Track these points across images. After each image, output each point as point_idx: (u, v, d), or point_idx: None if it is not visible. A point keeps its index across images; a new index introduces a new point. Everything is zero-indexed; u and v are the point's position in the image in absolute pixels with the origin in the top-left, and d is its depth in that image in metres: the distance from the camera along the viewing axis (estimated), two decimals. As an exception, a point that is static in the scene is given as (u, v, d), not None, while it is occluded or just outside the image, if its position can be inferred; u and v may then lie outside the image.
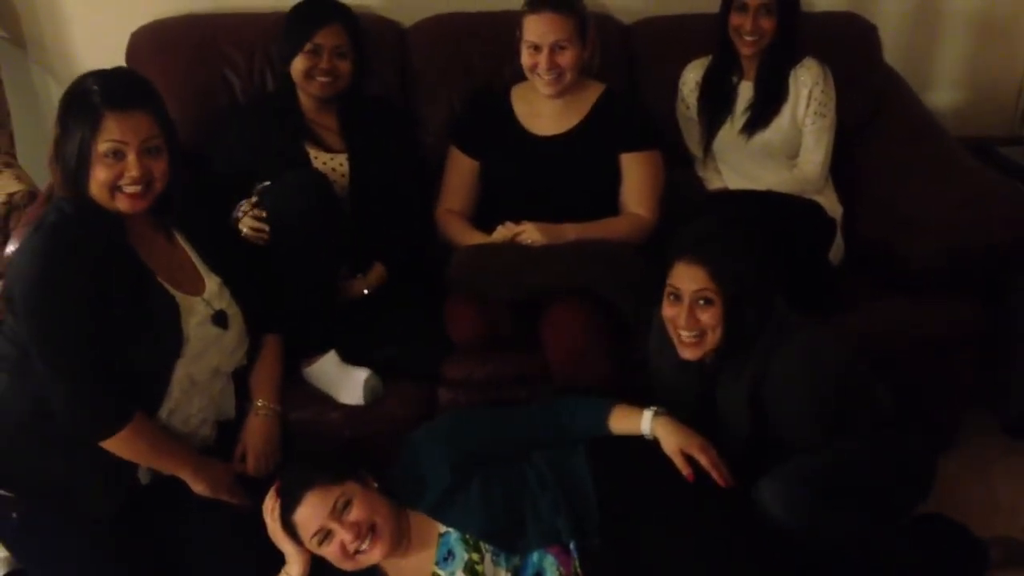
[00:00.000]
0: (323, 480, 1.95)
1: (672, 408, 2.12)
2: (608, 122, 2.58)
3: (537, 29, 2.46)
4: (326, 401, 2.34)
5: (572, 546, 1.94)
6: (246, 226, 2.27)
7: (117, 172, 1.89)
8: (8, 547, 2.10)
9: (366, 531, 1.93)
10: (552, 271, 2.32)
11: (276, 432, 2.23)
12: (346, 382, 2.33)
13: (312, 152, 2.52)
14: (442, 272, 2.43)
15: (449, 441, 2.10)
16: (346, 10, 2.55)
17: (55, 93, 3.02)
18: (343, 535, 1.92)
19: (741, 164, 2.77)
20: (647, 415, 2.10)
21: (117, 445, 1.96)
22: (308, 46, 2.46)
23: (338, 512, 1.93)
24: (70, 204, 1.91)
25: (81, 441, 1.96)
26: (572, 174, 2.56)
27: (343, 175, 2.53)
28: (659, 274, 2.12)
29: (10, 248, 2.34)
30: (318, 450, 2.24)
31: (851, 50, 2.91)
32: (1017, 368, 2.74)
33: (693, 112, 2.80)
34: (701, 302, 2.02)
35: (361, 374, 2.32)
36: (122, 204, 1.93)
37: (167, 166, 1.96)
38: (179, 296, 2.02)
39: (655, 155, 2.59)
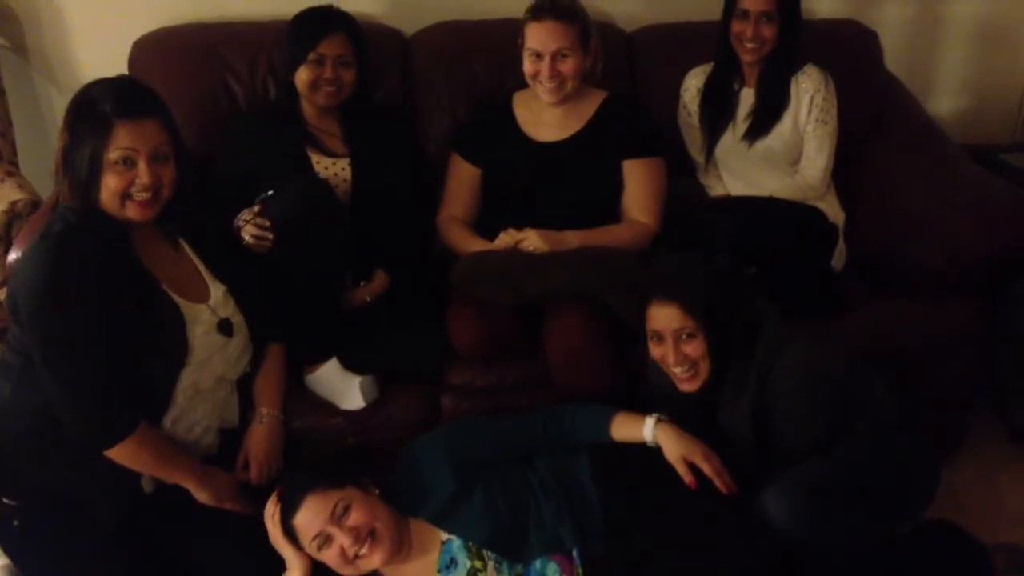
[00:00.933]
0: (323, 485, 1.95)
1: (674, 418, 2.12)
2: (610, 129, 2.59)
3: (539, 37, 2.47)
4: (328, 408, 2.35)
5: (575, 553, 1.93)
6: (248, 234, 2.27)
7: (128, 180, 1.90)
8: (9, 555, 2.09)
9: (365, 536, 1.93)
10: (553, 278, 2.32)
11: (279, 440, 2.23)
12: (347, 389, 2.34)
13: (315, 157, 2.53)
14: (444, 279, 2.43)
15: (451, 449, 2.10)
16: (348, 19, 2.54)
17: (57, 102, 3.03)
18: (342, 539, 1.92)
19: (743, 171, 2.77)
20: (649, 422, 2.10)
21: (121, 454, 1.96)
22: (312, 56, 2.46)
23: (337, 516, 1.93)
24: (75, 213, 1.91)
25: (85, 450, 1.96)
26: (574, 181, 2.56)
27: (345, 180, 2.53)
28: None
29: (12, 256, 2.35)
30: (320, 457, 2.24)
31: (852, 57, 2.92)
32: (1019, 373, 2.73)
33: (695, 119, 2.80)
34: (684, 337, 2.04)
35: (358, 379, 2.33)
36: (132, 212, 1.93)
37: (175, 173, 1.96)
38: (184, 304, 2.02)
39: (657, 162, 2.59)
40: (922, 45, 3.28)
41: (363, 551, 1.92)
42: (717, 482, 2.01)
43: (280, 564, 2.00)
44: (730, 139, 2.75)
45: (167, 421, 2.04)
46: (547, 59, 2.47)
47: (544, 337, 2.34)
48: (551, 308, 2.35)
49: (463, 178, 2.65)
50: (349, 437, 2.34)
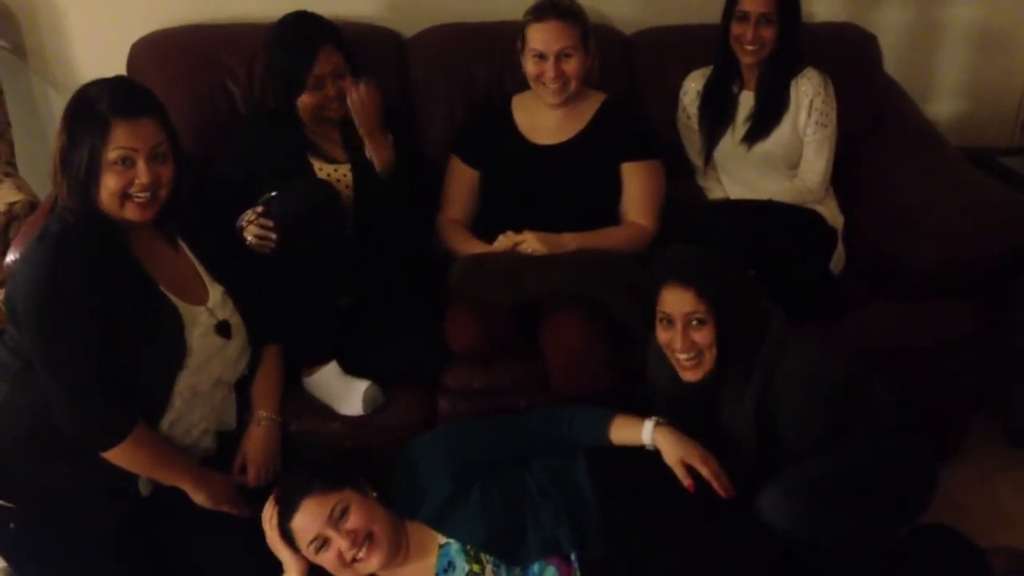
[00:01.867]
0: (320, 487, 1.95)
1: (673, 421, 2.12)
2: (609, 131, 2.59)
3: (542, 38, 2.46)
4: (327, 411, 2.34)
5: (573, 557, 1.93)
6: (251, 234, 2.26)
7: (127, 180, 1.89)
8: (6, 558, 2.09)
9: (363, 539, 1.92)
10: (552, 277, 2.32)
11: (276, 443, 2.22)
12: (346, 393, 2.33)
13: (316, 164, 2.52)
14: (442, 281, 2.43)
15: (448, 451, 2.10)
16: (329, 27, 2.51)
17: (56, 103, 3.02)
18: (340, 542, 1.91)
19: (742, 174, 2.77)
20: (648, 425, 2.09)
21: (119, 456, 1.96)
22: (311, 81, 2.44)
23: (335, 519, 1.92)
24: (73, 214, 1.90)
25: (83, 452, 1.96)
26: (573, 183, 2.56)
27: (347, 186, 2.52)
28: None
29: (10, 257, 2.34)
30: (318, 460, 2.23)
31: (851, 60, 2.92)
32: (1017, 376, 2.73)
33: (694, 122, 2.80)
34: (694, 323, 2.03)
35: (360, 385, 2.33)
36: (131, 213, 1.93)
37: (173, 172, 1.96)
38: (182, 306, 2.01)
39: (656, 165, 2.59)
40: (921, 48, 3.28)
41: (361, 554, 1.92)
42: (715, 485, 2.00)
43: (277, 566, 2.00)
44: (729, 142, 2.75)
45: (165, 423, 2.04)
46: (551, 60, 2.46)
47: (542, 338, 2.35)
48: (549, 308, 2.35)
49: (462, 180, 2.65)
50: (347, 440, 2.33)
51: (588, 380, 2.29)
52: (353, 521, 1.93)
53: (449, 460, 2.07)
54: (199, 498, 2.07)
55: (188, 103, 2.69)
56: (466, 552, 1.96)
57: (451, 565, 1.96)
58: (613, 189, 2.58)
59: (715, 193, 2.80)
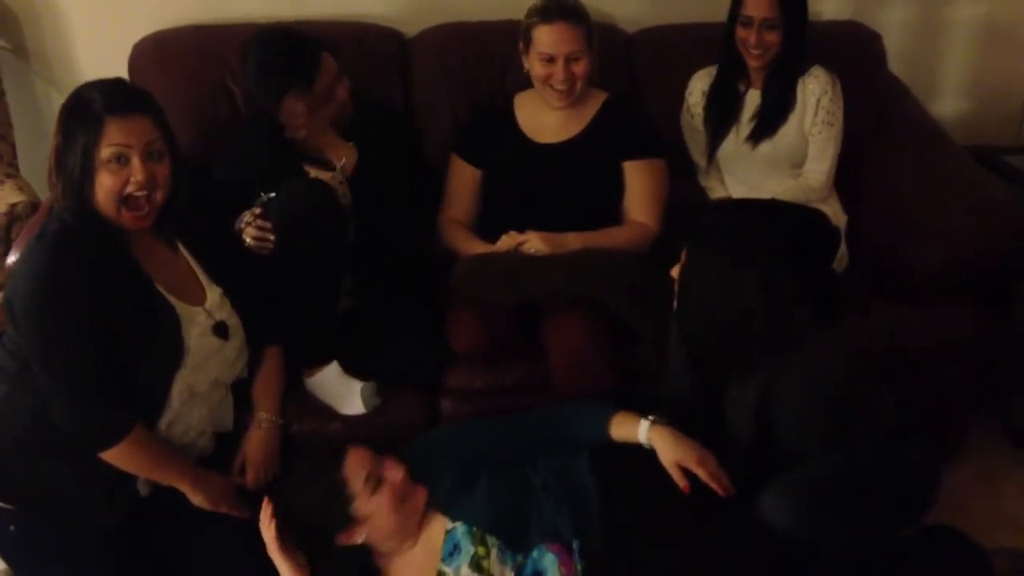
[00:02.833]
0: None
1: (680, 417, 2.11)
2: (611, 130, 2.58)
3: (550, 40, 2.44)
4: (328, 412, 2.34)
5: (575, 546, 1.92)
6: (249, 236, 2.26)
7: (123, 178, 1.88)
8: (5, 559, 2.09)
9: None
10: (553, 278, 2.32)
11: (276, 445, 2.22)
12: (347, 393, 2.33)
13: (312, 172, 2.48)
14: (444, 281, 2.42)
15: (450, 450, 2.11)
16: (313, 42, 2.43)
17: (57, 104, 2.95)
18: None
19: (745, 173, 2.77)
20: (644, 424, 2.08)
21: (117, 456, 1.96)
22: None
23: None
24: (71, 214, 1.90)
25: (82, 453, 1.96)
26: (575, 183, 2.55)
27: (344, 194, 2.49)
28: (660, 283, 2.11)
29: (11, 259, 2.35)
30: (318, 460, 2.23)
31: (855, 59, 2.91)
32: (1019, 377, 2.72)
33: (698, 122, 2.79)
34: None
35: (361, 385, 2.32)
36: (127, 221, 1.92)
37: (169, 172, 1.95)
38: (180, 306, 2.01)
39: (658, 163, 2.59)
40: (925, 47, 3.27)
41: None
42: (713, 486, 1.99)
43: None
44: (733, 141, 2.74)
45: (163, 424, 2.04)
46: (560, 62, 2.45)
47: (544, 338, 2.34)
48: (551, 309, 2.35)
49: (463, 180, 2.64)
50: (348, 441, 2.33)
51: (590, 380, 2.28)
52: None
53: (451, 461, 2.07)
54: (197, 499, 2.07)
55: (190, 103, 2.69)
56: (472, 534, 1.95)
57: (457, 548, 1.95)
58: (615, 188, 2.57)
59: (717, 193, 2.79)
